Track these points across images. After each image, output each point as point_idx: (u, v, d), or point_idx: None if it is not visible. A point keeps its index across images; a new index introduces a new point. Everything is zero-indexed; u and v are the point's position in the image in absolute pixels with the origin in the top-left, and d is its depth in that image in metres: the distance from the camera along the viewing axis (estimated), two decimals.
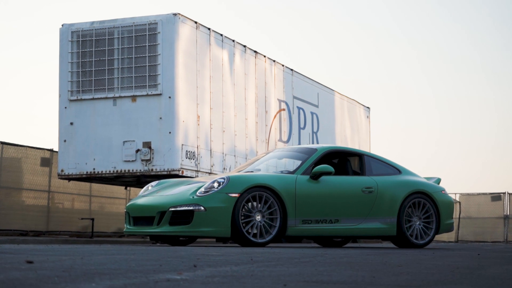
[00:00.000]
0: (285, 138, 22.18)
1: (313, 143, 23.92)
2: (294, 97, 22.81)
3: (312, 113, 24.01)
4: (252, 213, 10.98)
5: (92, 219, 20.39)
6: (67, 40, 18.03)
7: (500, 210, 34.68)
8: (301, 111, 23.25)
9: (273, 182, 11.14)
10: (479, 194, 35.38)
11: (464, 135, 57.17)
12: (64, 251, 6.76)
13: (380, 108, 59.02)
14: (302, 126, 23.29)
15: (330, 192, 11.73)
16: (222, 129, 18.85)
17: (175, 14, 17.34)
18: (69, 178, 18.17)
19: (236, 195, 10.82)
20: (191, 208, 10.82)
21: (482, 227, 35.19)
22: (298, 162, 12.03)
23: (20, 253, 5.92)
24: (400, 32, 56.99)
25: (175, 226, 10.93)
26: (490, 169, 55.28)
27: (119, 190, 23.12)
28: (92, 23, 17.97)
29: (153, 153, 17.26)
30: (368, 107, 29.26)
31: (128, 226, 11.64)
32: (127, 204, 11.88)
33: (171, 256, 5.93)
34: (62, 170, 17.96)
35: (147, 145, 17.31)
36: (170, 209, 10.93)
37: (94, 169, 17.71)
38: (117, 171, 17.55)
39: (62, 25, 18.16)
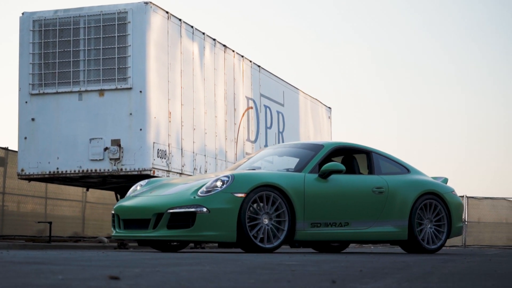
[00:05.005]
0: (252, 137, 21.10)
1: (279, 143, 22.88)
2: (261, 95, 21.75)
3: (278, 112, 22.98)
4: (258, 215, 9.87)
5: (50, 223, 18.99)
6: (28, 30, 16.67)
7: None
8: (267, 109, 22.20)
9: (281, 181, 10.05)
10: None
11: (423, 137, 56.82)
12: (111, 261, 5.58)
13: (341, 108, 58.43)
14: (268, 125, 22.24)
15: (340, 193, 10.68)
16: (192, 127, 17.69)
17: (146, 3, 16.13)
18: (30, 178, 16.77)
19: (242, 195, 9.69)
20: (193, 209, 9.63)
21: None
22: (303, 159, 10.93)
23: (65, 264, 4.75)
24: (360, 31, 56.46)
25: (174, 230, 9.73)
26: (449, 172, 55.02)
27: (75, 192, 21.79)
28: (56, 11, 16.64)
29: (122, 152, 16.00)
30: (329, 107, 28.37)
31: (117, 230, 10.40)
32: (115, 206, 10.64)
33: (257, 267, 4.83)
34: (22, 170, 16.57)
35: (116, 143, 16.04)
36: (169, 211, 9.73)
37: (57, 168, 16.37)
38: (82, 170, 16.24)
39: (23, 13, 16.80)
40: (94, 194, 21.98)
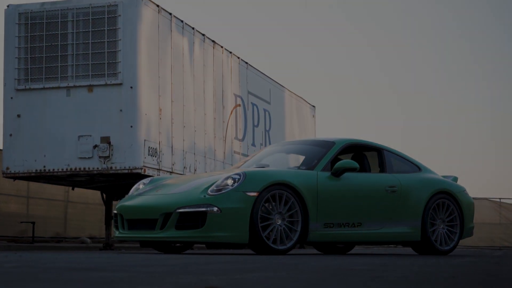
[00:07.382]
0: (240, 135, 20.60)
1: (265, 142, 22.43)
2: (249, 93, 21.26)
3: (265, 110, 22.50)
4: (271, 215, 9.38)
5: (33, 223, 18.38)
6: (14, 23, 16.04)
7: None
8: (255, 107, 21.71)
9: (294, 179, 9.56)
10: None
11: (405, 136, 56.66)
12: (166, 265, 5.07)
13: (324, 107, 58.15)
14: (255, 123, 21.75)
15: (354, 192, 10.21)
16: (182, 124, 17.15)
17: None
18: (15, 176, 16.14)
19: (255, 194, 9.18)
20: (203, 209, 9.11)
21: None
22: (314, 157, 10.44)
23: (124, 271, 4.25)
24: (347, 29, 56.17)
25: (183, 231, 9.21)
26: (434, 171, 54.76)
27: (57, 191, 21.16)
28: (43, 4, 16.05)
29: (112, 149, 15.43)
30: (313, 106, 27.94)
31: (121, 231, 9.86)
32: (118, 205, 10.09)
33: (333, 274, 4.35)
34: (7, 168, 15.95)
35: (106, 140, 15.48)
36: (177, 211, 9.21)
37: (44, 167, 15.76)
38: (71, 169, 15.64)
39: (8, 6, 16.20)
40: (76, 193, 21.37)
